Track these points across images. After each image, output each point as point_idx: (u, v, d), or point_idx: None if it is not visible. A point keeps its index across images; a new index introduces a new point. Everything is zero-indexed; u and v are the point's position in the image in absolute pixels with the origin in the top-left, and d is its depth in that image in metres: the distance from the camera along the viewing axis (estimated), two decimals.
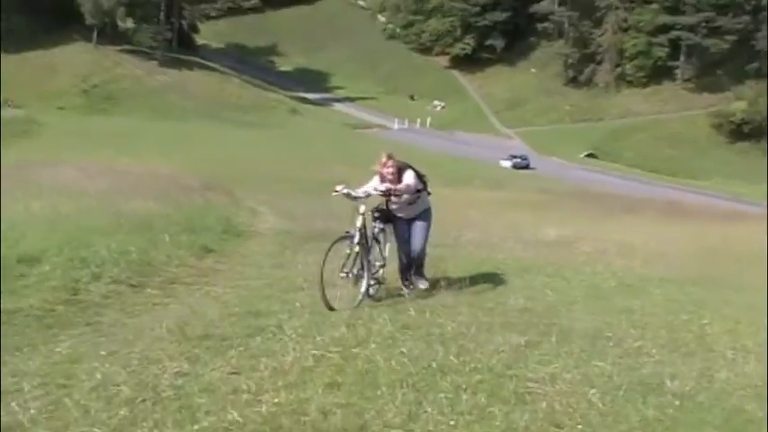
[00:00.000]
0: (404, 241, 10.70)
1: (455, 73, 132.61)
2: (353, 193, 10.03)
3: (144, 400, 6.37)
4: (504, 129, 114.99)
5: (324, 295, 9.21)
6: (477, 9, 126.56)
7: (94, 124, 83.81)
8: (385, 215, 10.50)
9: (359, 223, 9.89)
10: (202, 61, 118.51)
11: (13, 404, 6.21)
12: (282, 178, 41.63)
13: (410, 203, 10.53)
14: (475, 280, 11.64)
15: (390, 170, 10.12)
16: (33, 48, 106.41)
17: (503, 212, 27.42)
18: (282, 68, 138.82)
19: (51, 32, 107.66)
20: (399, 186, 10.10)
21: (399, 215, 10.63)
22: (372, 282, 10.27)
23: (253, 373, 6.93)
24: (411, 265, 10.76)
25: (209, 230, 15.23)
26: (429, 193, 10.90)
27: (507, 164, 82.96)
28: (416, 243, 10.62)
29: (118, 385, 6.66)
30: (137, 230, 13.62)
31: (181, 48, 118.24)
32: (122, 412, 6.14)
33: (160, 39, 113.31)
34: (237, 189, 26.97)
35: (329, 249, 9.60)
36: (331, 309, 9.15)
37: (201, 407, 6.25)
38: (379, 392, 6.51)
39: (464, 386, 6.69)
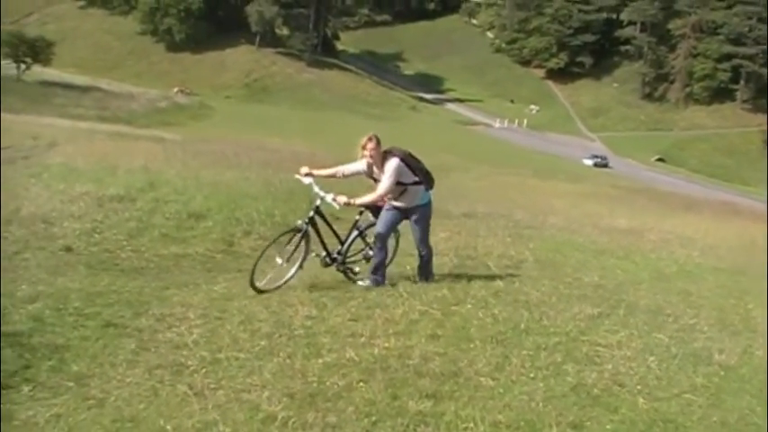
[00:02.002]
0: (384, 220, 8.40)
1: (549, 83, 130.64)
2: (315, 173, 8.26)
3: (280, 336, 6.47)
4: (588, 132, 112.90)
5: (252, 274, 7.65)
6: (571, 31, 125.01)
7: (252, 111, 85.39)
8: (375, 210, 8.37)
9: (311, 213, 8.09)
10: (341, 63, 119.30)
11: (182, 328, 6.37)
12: None
13: (401, 194, 8.24)
14: (556, 257, 11.45)
15: (370, 153, 8.04)
16: (210, 49, 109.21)
17: (582, 203, 26.87)
18: (406, 72, 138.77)
19: (224, 37, 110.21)
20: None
21: (395, 204, 8.32)
22: (345, 267, 8.56)
23: (368, 321, 6.97)
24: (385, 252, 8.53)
25: None
26: (428, 189, 8.49)
27: (589, 162, 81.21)
28: (416, 237, 8.65)
29: (260, 321, 6.77)
30: (281, 198, 13.76)
31: (324, 52, 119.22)
32: (263, 343, 6.26)
33: (308, 44, 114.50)
34: None
35: (276, 239, 8.07)
36: (255, 289, 7.70)
37: (325, 345, 6.32)
38: (471, 345, 6.49)
39: (543, 346, 6.62)
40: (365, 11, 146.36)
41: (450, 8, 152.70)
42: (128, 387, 5.24)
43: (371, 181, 8.30)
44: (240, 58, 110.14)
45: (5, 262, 8.00)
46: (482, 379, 5.80)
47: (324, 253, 8.26)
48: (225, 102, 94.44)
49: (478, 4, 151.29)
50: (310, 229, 8.01)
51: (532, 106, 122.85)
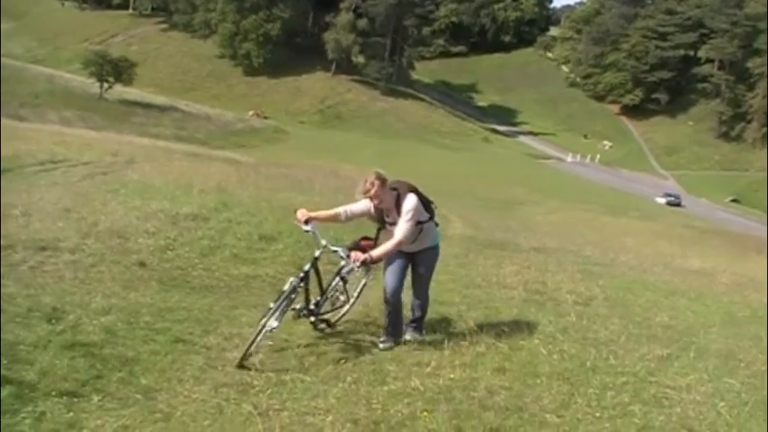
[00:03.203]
0: (392, 280, 7.06)
1: (623, 119, 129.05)
2: (314, 216, 6.88)
3: (346, 361, 6.49)
4: (661, 170, 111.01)
5: (246, 353, 6.15)
6: (647, 67, 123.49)
7: (326, 136, 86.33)
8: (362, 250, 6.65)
9: (306, 267, 6.70)
10: (415, 93, 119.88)
11: (252, 348, 6.42)
12: (472, 193, 41.63)
13: (418, 234, 6.96)
14: (626, 296, 11.24)
15: (375, 195, 6.68)
16: (286, 74, 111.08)
17: (654, 241, 26.35)
18: (479, 104, 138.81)
19: (301, 63, 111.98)
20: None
21: (404, 249, 6.97)
22: (322, 323, 7.17)
23: (434, 351, 6.93)
24: (398, 309, 7.23)
25: None
26: (437, 224, 7.34)
27: (662, 200, 79.51)
28: (419, 284, 7.31)
29: (327, 345, 6.84)
30: (351, 224, 13.84)
31: (399, 81, 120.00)
32: (329, 368, 6.30)
33: (384, 73, 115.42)
34: (433, 197, 27.16)
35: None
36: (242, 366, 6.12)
37: (390, 372, 6.33)
38: (538, 381, 6.41)
39: (611, 385, 6.51)
40: (441, 41, 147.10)
41: (525, 41, 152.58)
42: (194, 403, 5.31)
43: (375, 222, 7.09)
44: (315, 85, 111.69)
45: (82, 273, 8.20)
46: (547, 415, 5.73)
47: (300, 305, 6.85)
48: (299, 127, 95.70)
49: (554, 38, 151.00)
50: (300, 285, 6.63)
51: (606, 142, 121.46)
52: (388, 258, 6.99)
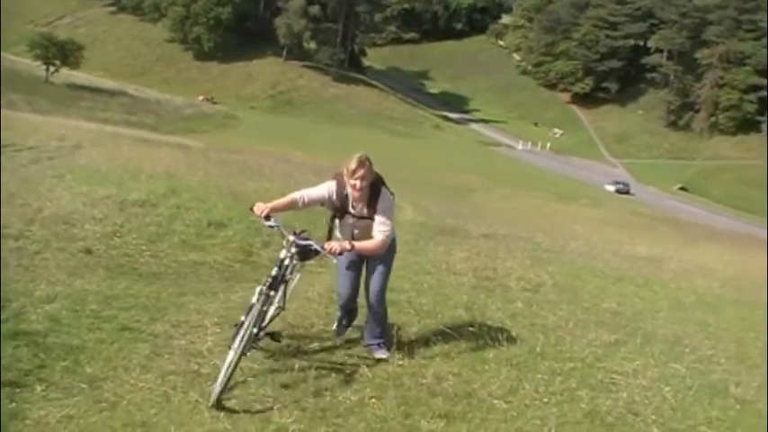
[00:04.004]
0: (346, 282, 6.42)
1: (574, 107, 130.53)
2: (273, 206, 5.93)
3: (295, 349, 6.45)
4: (611, 158, 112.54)
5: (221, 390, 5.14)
6: (598, 56, 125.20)
7: (277, 122, 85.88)
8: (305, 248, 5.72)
9: (274, 272, 5.64)
10: (367, 79, 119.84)
11: (197, 335, 6.38)
12: (423, 180, 41.69)
13: (364, 233, 6.09)
14: (575, 282, 11.37)
15: (360, 181, 5.89)
16: (237, 59, 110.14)
17: (603, 229, 26.68)
18: (431, 91, 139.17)
19: (252, 48, 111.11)
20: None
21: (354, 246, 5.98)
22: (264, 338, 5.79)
23: None
24: (351, 311, 6.72)
25: None
26: None
27: (611, 188, 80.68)
28: (374, 283, 6.37)
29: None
30: (302, 211, 13.77)
31: (351, 67, 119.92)
32: (277, 355, 6.24)
33: (335, 59, 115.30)
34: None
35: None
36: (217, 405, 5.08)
37: (339, 360, 6.29)
38: (486, 367, 6.46)
39: (558, 371, 6.58)
40: (393, 28, 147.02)
41: (477, 29, 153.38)
42: (140, 392, 5.24)
43: (330, 210, 6.33)
44: (267, 70, 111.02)
45: (26, 261, 8.05)
46: (495, 401, 5.77)
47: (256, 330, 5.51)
48: (250, 112, 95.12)
49: (506, 26, 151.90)
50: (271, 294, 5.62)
51: (556, 130, 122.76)
52: (344, 266, 6.38)
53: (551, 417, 5.61)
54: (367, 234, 6.08)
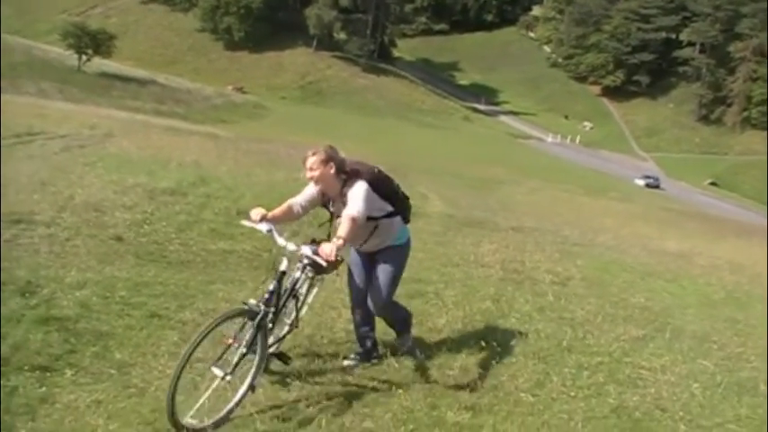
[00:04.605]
0: (356, 287, 6.01)
1: (604, 100, 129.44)
2: (272, 215, 5.51)
3: (321, 338, 6.49)
4: (641, 152, 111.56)
5: (172, 399, 4.56)
6: (629, 49, 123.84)
7: (306, 113, 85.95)
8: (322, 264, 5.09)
9: (272, 287, 5.07)
10: (396, 70, 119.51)
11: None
12: (451, 172, 41.57)
13: (368, 234, 5.68)
14: (603, 276, 11.30)
15: (311, 172, 5.42)
16: (268, 49, 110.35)
17: (632, 223, 26.47)
18: (460, 82, 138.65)
19: (282, 38, 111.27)
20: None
21: (355, 247, 5.91)
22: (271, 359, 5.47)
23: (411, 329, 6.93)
24: (369, 322, 6.10)
25: None
26: (406, 221, 6.00)
27: (641, 182, 79.91)
28: (376, 291, 5.82)
29: (302, 322, 6.79)
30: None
31: (380, 58, 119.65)
32: (304, 344, 6.26)
33: (365, 49, 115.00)
34: (413, 176, 27.15)
35: (211, 328, 4.77)
36: (177, 426, 4.61)
37: None
38: (513, 360, 6.44)
39: (586, 365, 6.56)
40: (423, 19, 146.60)
41: (507, 20, 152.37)
42: (168, 378, 5.26)
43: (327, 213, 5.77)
44: (297, 60, 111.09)
45: (58, 247, 8.13)
46: (522, 395, 5.76)
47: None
48: (279, 102, 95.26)
49: (536, 18, 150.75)
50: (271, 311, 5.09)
51: (586, 123, 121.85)
52: (351, 273, 6.03)
53: (578, 411, 5.59)
54: (367, 235, 5.69)
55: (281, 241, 5.20)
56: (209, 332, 4.72)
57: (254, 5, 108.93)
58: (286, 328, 5.67)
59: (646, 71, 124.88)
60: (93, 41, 78.29)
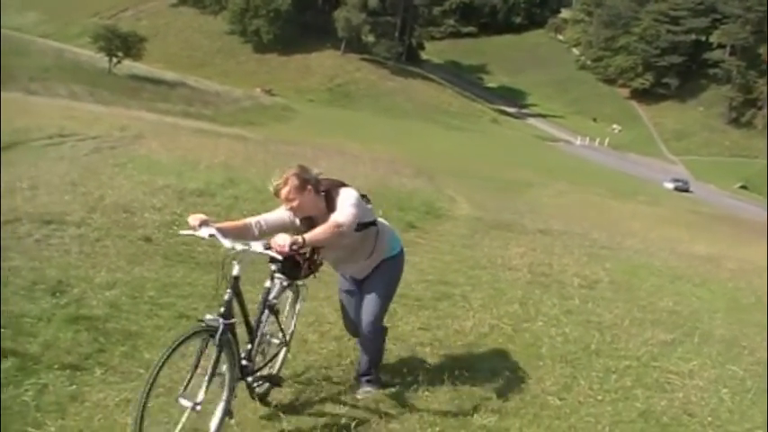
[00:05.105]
0: (350, 319, 5.55)
1: (633, 103, 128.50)
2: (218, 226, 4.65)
3: (349, 339, 6.46)
4: (670, 155, 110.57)
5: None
6: (658, 51, 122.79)
7: (334, 115, 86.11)
8: (293, 267, 4.79)
9: (227, 296, 4.48)
10: (424, 73, 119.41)
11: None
12: (479, 175, 41.47)
13: (354, 250, 5.11)
14: (631, 280, 11.22)
15: (289, 200, 4.77)
16: (296, 52, 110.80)
17: (660, 226, 26.27)
18: (489, 85, 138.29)
19: (311, 41, 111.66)
20: (317, 236, 4.53)
21: (341, 271, 5.45)
22: (259, 383, 5.03)
23: (437, 331, 6.94)
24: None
25: (414, 210, 15.28)
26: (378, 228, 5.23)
27: (670, 186, 79.11)
28: (365, 316, 5.28)
29: (330, 323, 6.80)
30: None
31: (408, 61, 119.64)
32: (331, 346, 6.27)
33: (393, 52, 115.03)
34: (441, 179, 27.11)
35: (168, 354, 4.19)
36: None
37: (393, 351, 6.29)
38: (540, 363, 6.43)
39: (613, 369, 6.52)
40: (451, 21, 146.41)
41: (536, 23, 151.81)
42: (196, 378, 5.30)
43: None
44: (325, 63, 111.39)
45: (88, 247, 8.21)
46: (549, 398, 5.73)
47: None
48: (307, 105, 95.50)
49: (565, 21, 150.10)
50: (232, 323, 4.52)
51: (615, 126, 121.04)
52: (343, 297, 5.55)
53: (605, 415, 5.56)
54: (352, 252, 5.12)
55: (227, 243, 4.48)
56: (163, 364, 4.17)
57: (283, 8, 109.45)
58: (275, 348, 5.29)
59: (675, 73, 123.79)
60: (124, 44, 78.95)
